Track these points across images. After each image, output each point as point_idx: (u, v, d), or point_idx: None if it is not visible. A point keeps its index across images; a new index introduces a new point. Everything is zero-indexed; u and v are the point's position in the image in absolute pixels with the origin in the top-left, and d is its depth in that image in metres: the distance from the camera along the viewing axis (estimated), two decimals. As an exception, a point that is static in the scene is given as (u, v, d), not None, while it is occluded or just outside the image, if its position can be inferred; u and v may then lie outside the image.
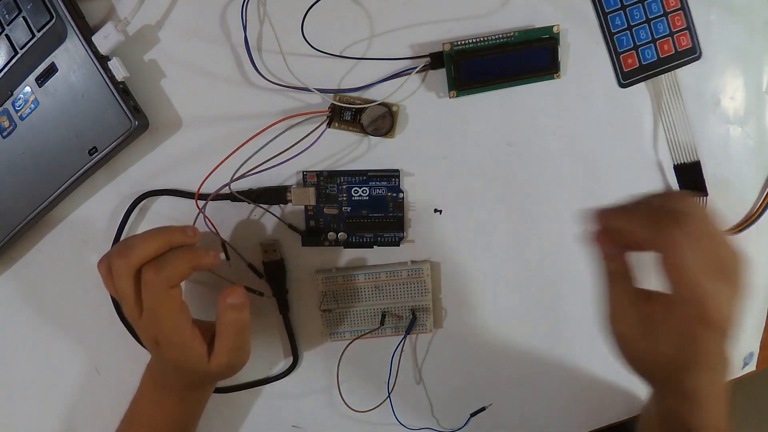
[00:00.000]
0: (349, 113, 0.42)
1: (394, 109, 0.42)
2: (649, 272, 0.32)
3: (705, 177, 0.46)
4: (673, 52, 0.43)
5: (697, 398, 0.32)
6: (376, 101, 0.41)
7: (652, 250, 0.29)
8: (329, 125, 0.42)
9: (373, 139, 0.43)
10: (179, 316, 0.36)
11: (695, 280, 0.28)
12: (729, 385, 0.33)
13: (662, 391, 0.35)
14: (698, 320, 0.29)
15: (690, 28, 0.43)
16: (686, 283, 0.28)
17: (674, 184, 0.47)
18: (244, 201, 0.43)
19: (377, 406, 0.48)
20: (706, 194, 0.46)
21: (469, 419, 0.52)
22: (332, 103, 0.41)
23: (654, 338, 0.30)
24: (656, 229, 0.29)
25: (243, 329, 0.39)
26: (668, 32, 0.43)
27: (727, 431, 0.34)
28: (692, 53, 0.44)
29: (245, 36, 0.39)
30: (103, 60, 0.38)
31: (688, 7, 0.43)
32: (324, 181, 0.44)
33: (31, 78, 0.39)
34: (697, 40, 0.43)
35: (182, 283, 0.38)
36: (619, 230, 0.31)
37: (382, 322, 0.47)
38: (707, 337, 0.29)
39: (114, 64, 0.38)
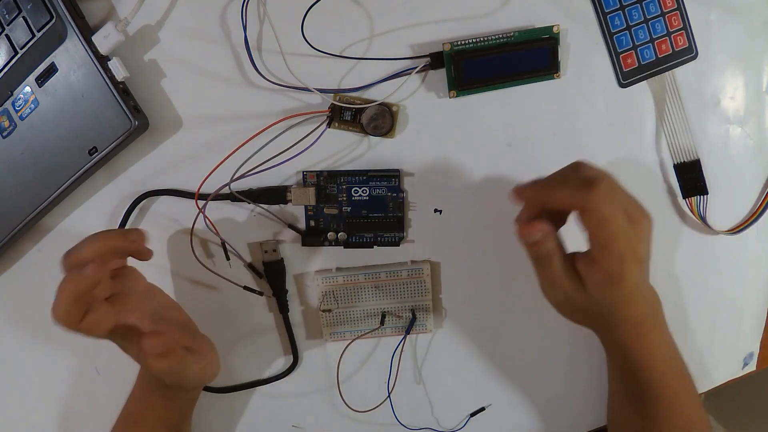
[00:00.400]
0: (349, 113, 0.42)
1: (394, 109, 0.42)
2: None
3: (705, 176, 0.46)
4: (671, 51, 0.43)
5: (637, 325, 0.38)
6: (376, 101, 0.41)
7: (573, 210, 0.35)
8: (329, 125, 0.42)
9: (373, 139, 0.43)
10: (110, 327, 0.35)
11: (615, 225, 0.34)
12: (661, 314, 0.40)
13: (603, 336, 0.41)
14: (621, 257, 0.34)
15: (686, 28, 0.43)
16: (608, 229, 0.34)
17: (674, 184, 0.47)
18: (244, 201, 0.43)
19: (377, 406, 0.48)
20: (706, 193, 0.46)
21: (469, 419, 0.52)
22: (332, 103, 0.41)
23: (587, 290, 0.36)
24: (576, 193, 0.34)
25: (177, 370, 0.37)
26: (666, 32, 0.43)
27: (671, 353, 0.41)
28: (689, 53, 0.44)
29: (245, 36, 0.39)
30: (103, 60, 0.38)
31: (685, 8, 0.43)
32: (324, 181, 0.44)
33: (31, 78, 0.39)
34: (694, 39, 0.44)
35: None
36: (543, 201, 0.37)
37: (382, 322, 0.47)
38: (631, 269, 0.34)
39: (114, 64, 0.38)
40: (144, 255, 0.38)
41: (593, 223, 0.34)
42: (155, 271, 0.45)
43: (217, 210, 0.44)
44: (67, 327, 0.34)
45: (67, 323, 0.33)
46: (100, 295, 0.36)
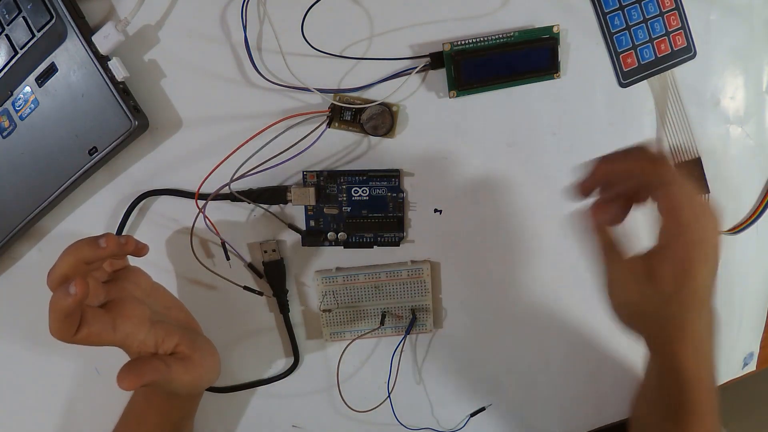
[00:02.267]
0: (349, 113, 0.42)
1: (394, 109, 0.42)
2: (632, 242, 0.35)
3: (706, 175, 0.46)
4: (670, 51, 0.43)
5: (698, 339, 0.35)
6: (376, 101, 0.41)
7: (646, 186, 0.32)
8: (329, 125, 0.42)
9: (373, 139, 0.43)
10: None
11: (692, 210, 0.31)
12: (714, 331, 0.36)
13: (659, 342, 0.37)
14: (692, 253, 0.31)
15: (685, 27, 0.43)
16: (686, 213, 0.31)
17: (674, 184, 0.47)
18: (244, 201, 0.43)
19: (377, 406, 0.48)
20: (707, 192, 0.46)
21: (469, 419, 0.52)
22: (332, 103, 0.41)
23: (657, 285, 0.33)
24: (653, 166, 0.32)
25: (161, 384, 0.37)
26: (665, 32, 0.43)
27: (714, 372, 0.37)
28: (688, 52, 0.44)
29: (245, 36, 0.39)
30: (103, 60, 0.38)
31: (683, 7, 0.43)
32: (324, 181, 0.44)
33: (31, 78, 0.39)
34: (692, 39, 0.44)
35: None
36: (614, 175, 0.34)
37: (382, 322, 0.47)
38: (700, 270, 0.32)
39: (114, 64, 0.38)
40: (136, 254, 0.37)
41: (668, 204, 0.31)
42: (155, 271, 0.44)
43: (217, 210, 0.44)
44: (63, 341, 0.34)
45: (61, 338, 0.33)
46: (94, 304, 0.36)
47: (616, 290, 0.35)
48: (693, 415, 0.38)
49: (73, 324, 0.33)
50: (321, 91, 0.41)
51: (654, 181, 0.32)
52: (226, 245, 0.44)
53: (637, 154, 0.33)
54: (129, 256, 0.40)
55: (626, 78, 0.44)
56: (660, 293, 0.33)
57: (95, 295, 0.36)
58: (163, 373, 0.36)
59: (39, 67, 0.39)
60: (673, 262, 0.32)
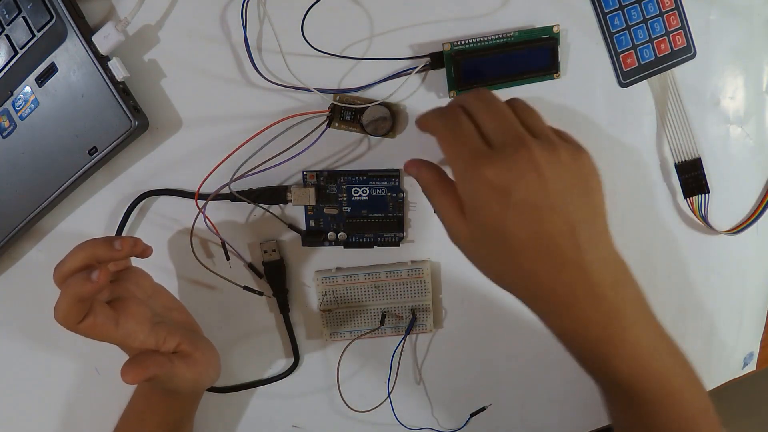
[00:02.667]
0: (349, 113, 0.42)
1: (394, 109, 0.42)
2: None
3: (707, 175, 0.46)
4: (670, 51, 0.43)
5: (562, 298, 0.32)
6: (376, 101, 0.41)
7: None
8: (329, 125, 0.42)
9: (373, 139, 0.43)
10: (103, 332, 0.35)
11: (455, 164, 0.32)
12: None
13: (535, 309, 0.34)
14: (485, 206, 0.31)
15: (684, 27, 0.43)
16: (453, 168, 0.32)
17: (675, 184, 0.47)
18: (244, 201, 0.43)
19: (377, 406, 0.48)
20: (707, 192, 0.46)
21: (469, 419, 0.52)
22: (332, 103, 0.41)
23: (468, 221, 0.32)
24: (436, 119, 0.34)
25: (163, 380, 0.37)
26: (665, 32, 0.43)
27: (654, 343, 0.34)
28: (687, 52, 0.44)
29: (245, 36, 0.39)
30: (103, 60, 0.38)
31: (683, 7, 0.43)
32: (324, 181, 0.44)
33: (31, 78, 0.39)
34: (692, 39, 0.44)
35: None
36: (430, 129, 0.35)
37: (382, 322, 0.47)
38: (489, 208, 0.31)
39: (114, 64, 0.38)
40: (141, 255, 0.37)
41: (480, 119, 0.32)
42: (155, 271, 0.45)
43: (217, 210, 0.44)
44: (65, 326, 0.34)
45: (65, 323, 0.34)
46: (101, 299, 0.36)
47: (455, 231, 0.33)
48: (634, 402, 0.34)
49: (81, 311, 0.33)
50: (321, 91, 0.41)
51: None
52: (226, 245, 0.44)
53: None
54: (132, 257, 0.40)
55: (626, 78, 0.44)
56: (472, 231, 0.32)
57: (103, 292, 0.36)
58: (167, 367, 0.36)
59: (39, 67, 0.39)
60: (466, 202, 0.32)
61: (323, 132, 0.42)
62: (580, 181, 0.31)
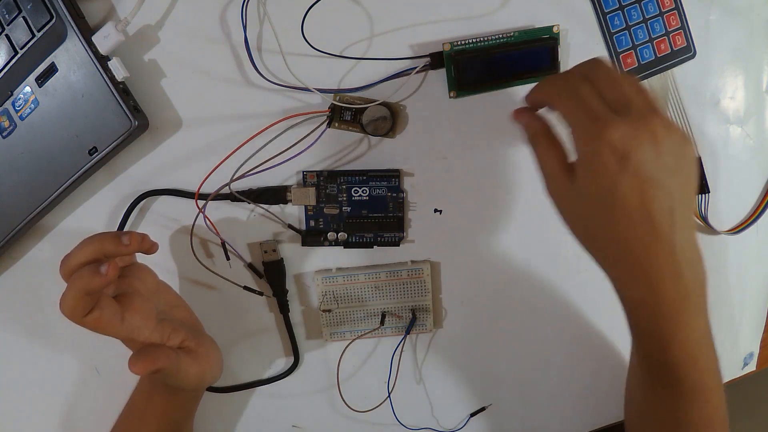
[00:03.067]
0: (349, 113, 0.41)
1: (395, 109, 0.42)
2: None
3: (707, 175, 0.46)
4: (670, 51, 0.43)
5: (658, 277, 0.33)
6: (376, 101, 0.41)
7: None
8: (329, 125, 0.42)
9: (373, 139, 0.43)
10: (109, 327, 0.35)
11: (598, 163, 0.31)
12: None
13: (618, 279, 0.35)
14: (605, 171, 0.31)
15: (684, 27, 0.43)
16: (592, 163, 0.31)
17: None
18: (244, 201, 0.43)
19: (377, 406, 0.48)
20: (708, 191, 0.46)
21: (469, 419, 0.52)
22: (332, 103, 0.41)
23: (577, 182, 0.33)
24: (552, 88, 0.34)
25: (170, 374, 0.37)
26: (664, 32, 0.43)
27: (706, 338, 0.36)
28: (687, 52, 0.44)
29: (245, 36, 0.39)
30: (103, 60, 0.38)
31: (683, 7, 0.43)
32: (324, 181, 0.44)
33: (31, 78, 0.39)
34: (692, 39, 0.44)
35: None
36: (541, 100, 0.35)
37: (382, 322, 0.47)
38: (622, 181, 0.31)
39: (114, 64, 0.38)
40: (147, 252, 0.37)
41: (603, 85, 0.32)
42: (155, 271, 0.45)
43: (217, 210, 0.44)
44: (70, 319, 0.34)
45: (71, 316, 0.34)
46: (107, 294, 0.36)
47: (555, 186, 0.34)
48: (691, 390, 0.36)
49: (88, 305, 0.33)
50: (321, 91, 0.41)
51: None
52: (226, 245, 0.44)
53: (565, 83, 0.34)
54: (137, 254, 0.40)
55: (626, 78, 0.44)
56: (581, 191, 0.32)
57: (110, 286, 0.37)
58: (173, 360, 0.37)
59: (39, 67, 0.39)
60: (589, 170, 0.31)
61: (323, 132, 0.42)
62: (685, 164, 0.32)
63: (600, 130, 0.30)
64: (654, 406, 0.40)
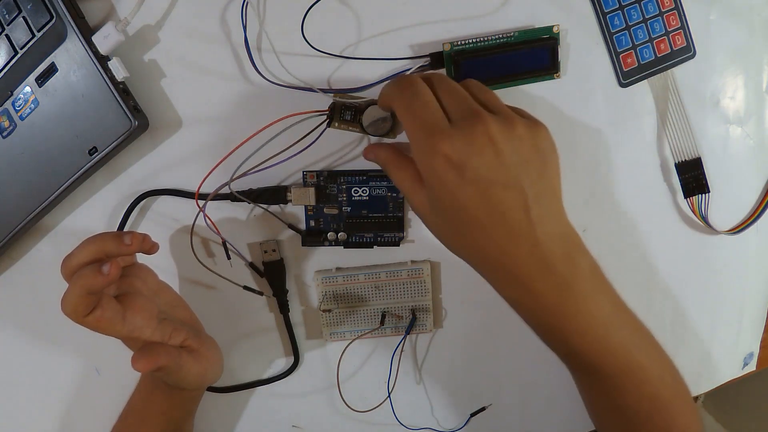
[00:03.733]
0: (349, 113, 0.41)
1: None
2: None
3: (707, 175, 0.46)
4: (669, 51, 0.43)
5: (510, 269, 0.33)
6: (376, 101, 0.41)
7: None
8: (329, 125, 0.42)
9: (374, 139, 0.43)
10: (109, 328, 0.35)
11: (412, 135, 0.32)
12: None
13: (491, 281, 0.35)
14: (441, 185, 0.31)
15: (684, 27, 0.43)
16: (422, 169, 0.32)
17: (675, 184, 0.47)
18: (244, 201, 0.43)
19: (377, 406, 0.48)
20: (707, 191, 0.46)
21: (469, 419, 0.52)
22: (333, 102, 0.41)
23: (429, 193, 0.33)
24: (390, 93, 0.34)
25: (172, 372, 0.37)
26: (664, 31, 0.43)
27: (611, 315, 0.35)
28: (687, 52, 0.44)
29: (245, 36, 0.39)
30: (103, 60, 0.38)
31: (682, 7, 0.43)
32: (324, 181, 0.44)
33: (31, 78, 0.39)
34: (692, 39, 0.44)
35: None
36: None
37: (382, 322, 0.47)
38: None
39: (114, 64, 0.38)
40: (148, 252, 0.37)
41: (440, 92, 0.33)
42: (155, 271, 0.45)
43: (217, 210, 0.44)
44: (72, 319, 0.34)
45: (73, 316, 0.34)
46: (108, 293, 0.36)
47: (415, 202, 0.34)
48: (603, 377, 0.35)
49: (90, 304, 0.34)
50: (321, 90, 0.41)
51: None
52: (227, 244, 0.44)
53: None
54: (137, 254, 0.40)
55: (626, 78, 0.44)
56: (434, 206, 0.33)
57: (112, 286, 0.37)
58: (176, 358, 0.37)
59: (39, 67, 0.39)
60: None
61: (323, 132, 0.42)
62: (536, 156, 0.32)
63: (434, 145, 0.30)
64: (590, 398, 0.40)
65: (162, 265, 0.45)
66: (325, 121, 0.41)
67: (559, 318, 0.34)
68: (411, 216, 0.45)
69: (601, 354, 0.35)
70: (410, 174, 0.34)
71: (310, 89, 0.40)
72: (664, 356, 0.38)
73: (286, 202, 0.43)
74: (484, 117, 0.31)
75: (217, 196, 0.42)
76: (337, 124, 0.42)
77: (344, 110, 0.41)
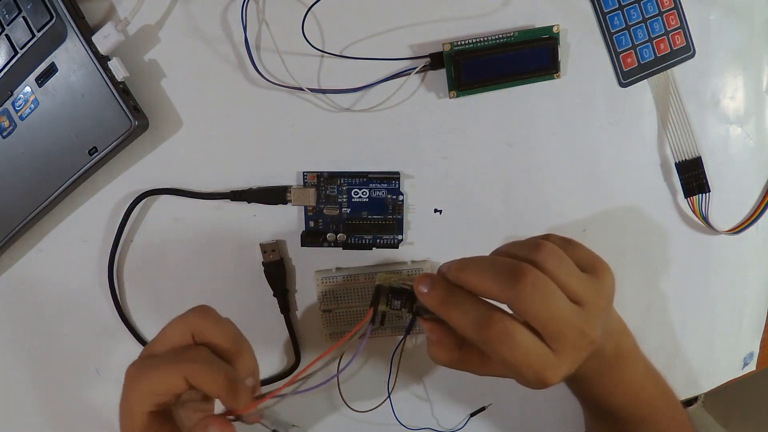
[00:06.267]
0: (398, 301, 0.36)
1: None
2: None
3: (707, 174, 0.46)
4: (669, 50, 0.44)
5: (604, 373, 0.38)
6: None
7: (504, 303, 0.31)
8: (373, 321, 0.36)
9: (374, 140, 0.43)
10: None
11: (555, 324, 0.30)
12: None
13: (579, 392, 0.43)
14: (574, 347, 0.31)
15: (684, 27, 0.43)
16: (550, 327, 0.30)
17: (675, 184, 0.47)
18: (244, 201, 0.43)
19: (377, 406, 0.48)
20: (708, 191, 0.46)
21: (469, 419, 0.52)
22: (378, 285, 0.36)
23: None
24: (498, 286, 0.30)
25: None
26: (664, 31, 0.43)
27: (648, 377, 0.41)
28: (687, 51, 0.44)
29: (245, 36, 0.39)
30: (103, 60, 0.38)
31: (682, 7, 0.43)
32: (324, 182, 0.44)
33: (31, 78, 0.39)
34: (691, 38, 0.44)
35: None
36: (470, 285, 0.31)
37: (382, 322, 0.47)
38: (585, 351, 0.32)
39: (114, 64, 0.38)
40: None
41: (532, 321, 0.30)
42: (155, 271, 0.45)
43: (218, 210, 0.44)
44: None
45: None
46: None
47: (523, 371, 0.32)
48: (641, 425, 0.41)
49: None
50: (321, 91, 0.41)
51: (505, 301, 0.30)
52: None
53: (492, 263, 0.31)
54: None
55: (626, 78, 0.44)
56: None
57: None
58: None
59: (39, 67, 0.39)
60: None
61: (367, 336, 0.37)
62: (608, 312, 0.34)
63: (543, 381, 0.31)
64: None
65: (162, 265, 0.45)
66: (368, 323, 0.36)
67: (601, 387, 0.39)
68: (410, 218, 0.45)
69: (631, 406, 0.40)
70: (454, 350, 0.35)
71: (309, 90, 0.40)
72: (675, 400, 0.44)
73: (286, 202, 0.43)
74: (589, 337, 0.31)
75: (218, 196, 0.43)
76: (383, 311, 0.36)
77: (392, 297, 0.36)
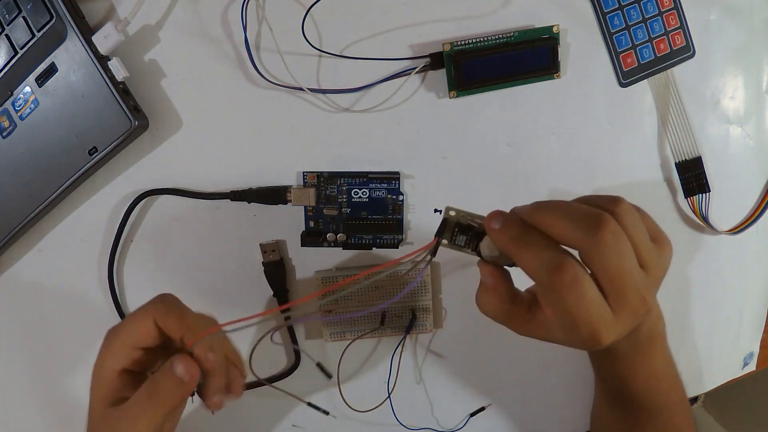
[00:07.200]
0: (463, 237, 0.33)
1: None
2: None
3: (707, 174, 0.46)
4: (669, 50, 0.44)
5: (638, 350, 0.37)
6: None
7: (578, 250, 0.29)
8: (434, 253, 0.33)
9: (374, 140, 0.43)
10: None
11: (624, 281, 0.28)
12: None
13: (604, 364, 0.41)
14: (633, 311, 0.29)
15: (683, 27, 0.43)
16: (617, 284, 0.28)
17: (676, 184, 0.47)
18: (244, 201, 0.43)
19: (377, 406, 0.48)
20: (708, 191, 0.46)
21: (468, 419, 0.52)
22: (445, 218, 0.34)
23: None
24: (576, 232, 0.28)
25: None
26: (663, 31, 0.43)
27: (669, 368, 0.41)
28: (686, 51, 0.44)
29: (245, 36, 0.39)
30: (103, 60, 0.38)
31: (682, 7, 0.43)
32: (324, 182, 0.44)
33: (31, 78, 0.39)
34: (691, 38, 0.44)
35: None
36: (547, 227, 0.30)
37: (382, 322, 0.47)
38: (640, 315, 0.30)
39: (114, 64, 0.38)
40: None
41: (601, 274, 0.28)
42: (154, 272, 0.45)
43: (218, 210, 0.44)
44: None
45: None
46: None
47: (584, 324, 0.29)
48: (655, 412, 0.41)
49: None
50: (321, 91, 0.41)
51: (579, 247, 0.29)
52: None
53: (570, 209, 0.30)
54: None
55: (626, 78, 0.44)
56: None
57: None
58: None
59: (39, 67, 0.39)
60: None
61: (426, 267, 0.35)
62: (658, 288, 0.32)
63: (597, 340, 0.29)
64: (621, 427, 0.44)
65: (162, 266, 0.45)
66: (427, 258, 0.33)
67: (627, 368, 0.38)
68: (410, 218, 0.45)
69: (649, 395, 0.40)
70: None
71: (309, 90, 0.40)
72: (685, 395, 0.44)
73: (286, 202, 0.43)
74: (648, 304, 0.29)
75: (218, 196, 0.43)
76: (446, 244, 0.34)
77: (458, 232, 0.34)
